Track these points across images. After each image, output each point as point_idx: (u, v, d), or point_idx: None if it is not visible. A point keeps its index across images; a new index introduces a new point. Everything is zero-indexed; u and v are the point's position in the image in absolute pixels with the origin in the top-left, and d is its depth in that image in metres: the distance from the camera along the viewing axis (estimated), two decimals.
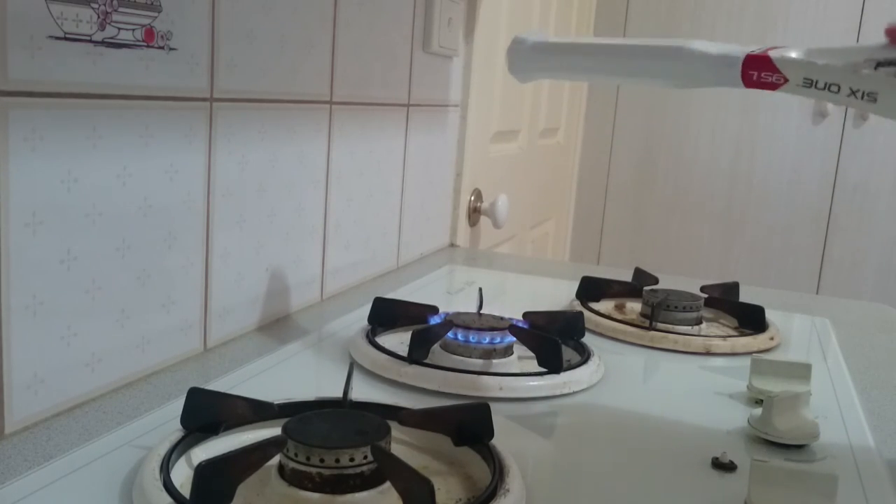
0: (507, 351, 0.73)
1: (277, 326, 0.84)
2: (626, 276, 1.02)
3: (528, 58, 0.70)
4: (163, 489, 0.44)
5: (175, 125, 0.66)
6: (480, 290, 0.83)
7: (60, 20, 0.54)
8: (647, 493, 0.53)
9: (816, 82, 0.56)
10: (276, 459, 0.47)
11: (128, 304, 0.64)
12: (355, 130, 0.97)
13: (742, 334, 0.88)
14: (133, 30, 0.60)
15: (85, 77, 0.57)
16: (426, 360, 0.70)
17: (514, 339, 0.73)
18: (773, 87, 0.58)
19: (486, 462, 0.51)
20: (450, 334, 0.72)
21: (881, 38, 0.59)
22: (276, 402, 0.55)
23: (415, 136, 1.14)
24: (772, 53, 0.58)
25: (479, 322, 0.74)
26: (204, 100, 0.70)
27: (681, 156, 2.19)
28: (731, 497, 0.52)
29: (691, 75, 0.62)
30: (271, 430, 0.53)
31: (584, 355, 0.75)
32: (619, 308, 0.96)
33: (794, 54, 0.57)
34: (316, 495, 0.46)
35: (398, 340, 0.77)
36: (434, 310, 0.79)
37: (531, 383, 0.68)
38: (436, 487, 0.42)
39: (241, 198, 0.77)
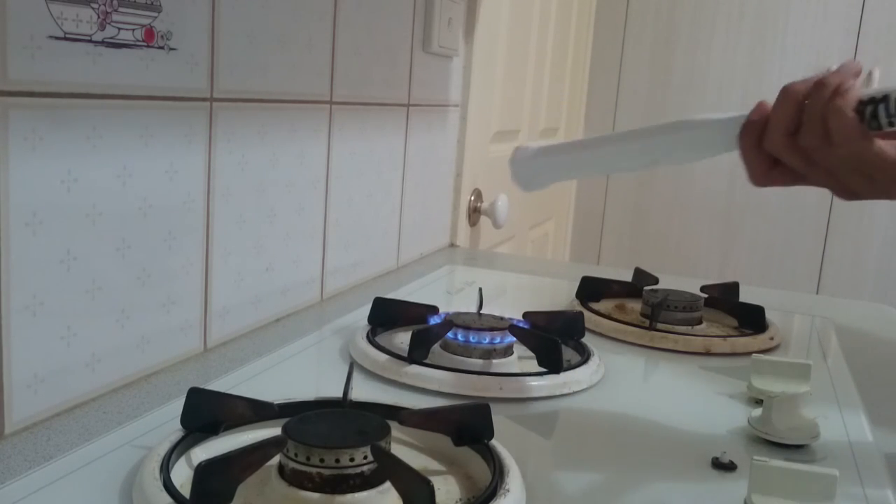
0: (507, 351, 0.73)
1: (277, 326, 0.84)
2: (626, 276, 1.02)
3: (532, 165, 0.70)
4: (163, 489, 0.44)
5: (175, 125, 0.66)
6: (480, 290, 0.83)
7: (60, 20, 0.54)
8: (647, 492, 0.53)
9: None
10: (276, 459, 0.47)
11: (128, 304, 0.64)
12: (355, 130, 0.97)
13: (742, 334, 0.88)
14: (133, 30, 0.60)
15: (85, 77, 0.57)
16: (426, 360, 0.70)
17: (514, 339, 0.73)
18: None
19: (486, 462, 0.51)
20: (450, 334, 0.72)
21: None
22: (276, 402, 0.55)
23: (415, 136, 1.14)
24: None
25: (479, 322, 0.74)
26: (204, 100, 0.70)
27: None
28: (731, 497, 0.52)
29: (698, 148, 0.60)
30: (271, 430, 0.53)
31: (584, 355, 0.75)
32: (619, 308, 0.96)
33: None
34: (316, 495, 0.46)
35: (398, 340, 0.77)
36: (434, 310, 0.79)
37: (531, 383, 0.68)
38: (436, 487, 0.42)
39: (241, 198, 0.77)
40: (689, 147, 0.61)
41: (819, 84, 0.53)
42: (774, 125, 0.54)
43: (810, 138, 0.53)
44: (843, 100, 0.51)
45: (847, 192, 0.55)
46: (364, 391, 0.66)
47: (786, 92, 0.54)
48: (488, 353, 0.72)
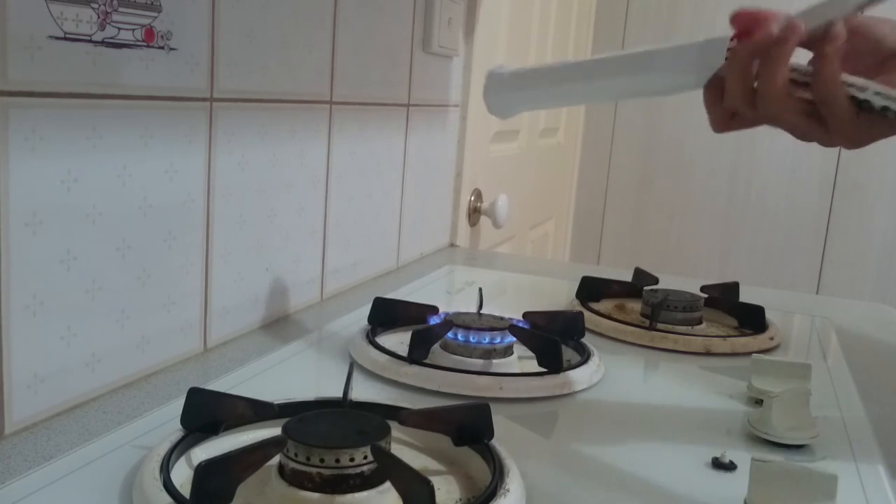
0: (507, 351, 0.73)
1: (277, 326, 0.84)
2: (626, 276, 1.02)
3: (506, 90, 0.68)
4: (163, 489, 0.44)
5: (175, 125, 0.66)
6: (480, 290, 0.83)
7: (60, 20, 0.54)
8: (647, 492, 0.53)
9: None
10: (276, 459, 0.47)
11: (128, 304, 0.64)
12: (355, 130, 0.97)
13: (742, 334, 0.88)
14: (133, 30, 0.60)
15: (85, 77, 0.57)
16: (426, 360, 0.70)
17: (514, 339, 0.73)
18: None
19: (486, 462, 0.51)
20: (450, 334, 0.72)
21: None
22: (276, 402, 0.55)
23: (415, 136, 1.14)
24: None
25: (479, 322, 0.74)
26: (204, 100, 0.70)
27: (681, 156, 2.19)
28: (731, 497, 0.52)
29: (668, 88, 0.61)
30: (271, 430, 0.53)
31: (584, 355, 0.75)
32: (619, 308, 0.96)
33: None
34: (316, 495, 0.46)
35: (398, 340, 0.77)
36: (434, 310, 0.79)
37: (531, 383, 0.68)
38: (436, 487, 0.42)
39: (241, 198, 0.77)
40: (659, 87, 0.62)
41: (766, 55, 0.55)
42: (729, 90, 0.58)
43: (766, 106, 0.56)
44: (780, 52, 0.54)
45: (803, 138, 0.58)
46: (364, 391, 0.66)
47: (734, 57, 0.57)
48: (488, 353, 0.72)
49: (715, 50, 0.58)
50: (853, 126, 0.54)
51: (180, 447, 0.50)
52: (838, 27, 0.55)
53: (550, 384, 0.68)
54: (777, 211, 2.15)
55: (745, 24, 0.57)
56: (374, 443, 0.46)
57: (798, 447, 0.60)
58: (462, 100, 1.31)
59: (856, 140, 0.56)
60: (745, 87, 0.57)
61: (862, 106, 0.53)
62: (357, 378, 0.67)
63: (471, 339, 0.72)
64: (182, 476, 0.49)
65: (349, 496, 0.46)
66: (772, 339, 0.86)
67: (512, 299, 1.07)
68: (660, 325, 0.86)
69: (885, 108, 0.52)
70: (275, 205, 0.82)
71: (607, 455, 0.58)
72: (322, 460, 0.46)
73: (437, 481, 0.49)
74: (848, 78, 0.54)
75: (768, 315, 0.90)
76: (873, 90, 0.53)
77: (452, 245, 1.36)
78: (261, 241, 0.81)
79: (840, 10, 0.56)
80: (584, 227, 2.32)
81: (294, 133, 0.84)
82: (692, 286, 0.96)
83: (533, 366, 0.71)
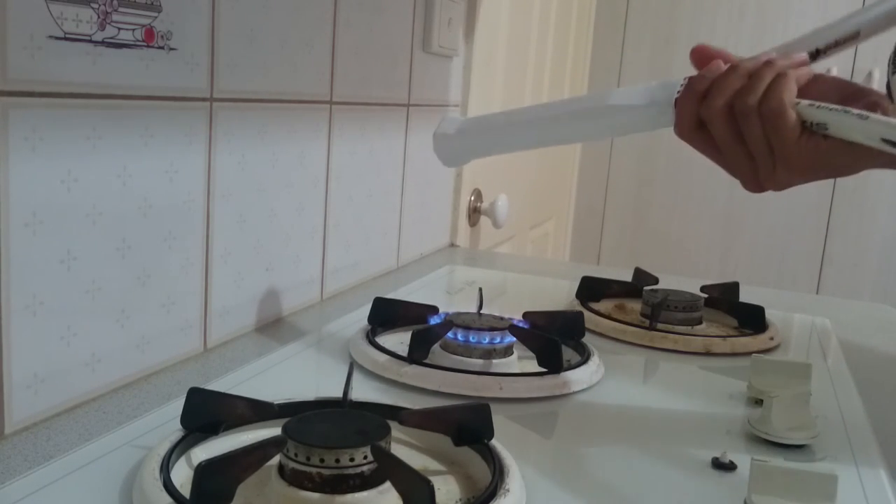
0: (507, 351, 0.73)
1: (277, 326, 0.84)
2: (626, 276, 1.02)
3: (454, 144, 0.68)
4: (163, 489, 0.44)
5: (175, 125, 0.66)
6: (480, 290, 0.83)
7: (60, 20, 0.54)
8: (647, 492, 0.53)
9: None
10: (276, 459, 0.47)
11: (128, 304, 0.64)
12: (355, 130, 0.97)
13: (742, 334, 0.88)
14: (133, 30, 0.60)
15: (85, 77, 0.57)
16: (426, 360, 0.70)
17: (514, 339, 0.73)
18: None
19: (486, 462, 0.51)
20: (450, 334, 0.72)
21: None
22: (276, 402, 0.55)
23: (415, 136, 1.14)
24: None
25: (479, 322, 0.74)
26: (204, 100, 0.70)
27: (681, 156, 2.19)
28: (731, 497, 0.52)
29: (625, 126, 0.61)
30: (271, 430, 0.53)
31: (584, 355, 0.75)
32: (619, 308, 0.96)
33: None
34: (316, 495, 0.46)
35: (398, 340, 0.77)
36: (434, 310, 0.79)
37: (531, 383, 0.68)
38: (436, 487, 0.42)
39: (241, 198, 0.77)
40: (619, 128, 0.62)
41: (768, 62, 0.57)
42: (718, 88, 0.57)
43: (747, 98, 0.56)
44: (790, 73, 0.55)
45: (755, 181, 0.59)
46: (364, 391, 0.66)
47: (734, 66, 0.58)
48: (488, 353, 0.72)
49: (668, 91, 0.59)
50: (797, 148, 0.55)
51: (180, 447, 0.50)
52: (803, 56, 0.58)
53: (550, 384, 0.68)
54: (777, 211, 2.15)
55: (703, 58, 0.60)
56: (374, 443, 0.46)
57: (798, 447, 0.60)
58: (462, 100, 1.31)
59: (792, 167, 0.56)
60: (733, 93, 0.57)
61: (811, 128, 0.54)
62: (357, 378, 0.67)
63: (471, 339, 0.72)
64: (182, 476, 0.49)
65: (349, 496, 0.46)
66: (772, 339, 0.86)
67: (512, 299, 1.07)
68: (660, 325, 0.86)
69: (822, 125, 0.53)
70: (275, 205, 0.82)
71: (607, 455, 0.58)
72: (322, 460, 0.46)
73: (437, 481, 0.49)
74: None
75: (768, 315, 0.90)
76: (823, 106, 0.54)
77: (452, 245, 1.36)
78: (261, 241, 0.81)
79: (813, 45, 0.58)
80: (584, 226, 2.32)
81: (294, 133, 0.84)
82: (692, 286, 0.96)
83: (533, 366, 0.71)
